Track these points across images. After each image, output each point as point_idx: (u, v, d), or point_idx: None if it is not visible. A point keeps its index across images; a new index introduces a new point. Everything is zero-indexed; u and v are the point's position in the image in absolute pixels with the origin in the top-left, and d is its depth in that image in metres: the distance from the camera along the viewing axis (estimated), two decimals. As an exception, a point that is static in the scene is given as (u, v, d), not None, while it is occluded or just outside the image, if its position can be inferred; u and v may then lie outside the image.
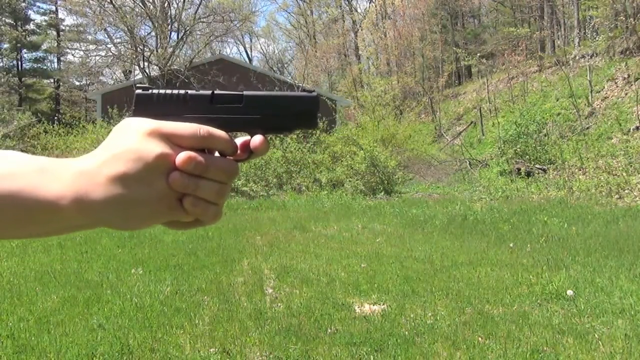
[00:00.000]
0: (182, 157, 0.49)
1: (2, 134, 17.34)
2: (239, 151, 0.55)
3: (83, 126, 17.30)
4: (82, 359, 3.20)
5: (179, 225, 0.53)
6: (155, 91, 0.54)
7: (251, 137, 0.55)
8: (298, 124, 0.57)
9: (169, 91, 0.54)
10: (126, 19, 22.87)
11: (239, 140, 0.56)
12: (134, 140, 0.48)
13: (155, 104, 0.53)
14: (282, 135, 12.31)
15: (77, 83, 36.95)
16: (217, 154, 0.53)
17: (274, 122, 0.56)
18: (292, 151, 14.18)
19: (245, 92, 0.55)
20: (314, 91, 0.57)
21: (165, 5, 23.93)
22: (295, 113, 0.56)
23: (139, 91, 0.54)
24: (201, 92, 0.55)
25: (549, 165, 13.80)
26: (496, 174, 15.13)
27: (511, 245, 6.52)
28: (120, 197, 0.47)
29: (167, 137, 0.49)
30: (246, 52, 44.57)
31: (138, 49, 23.25)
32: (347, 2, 37.31)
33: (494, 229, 7.73)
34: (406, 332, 3.59)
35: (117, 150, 0.48)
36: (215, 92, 0.55)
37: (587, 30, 24.26)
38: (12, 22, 33.53)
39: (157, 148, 0.48)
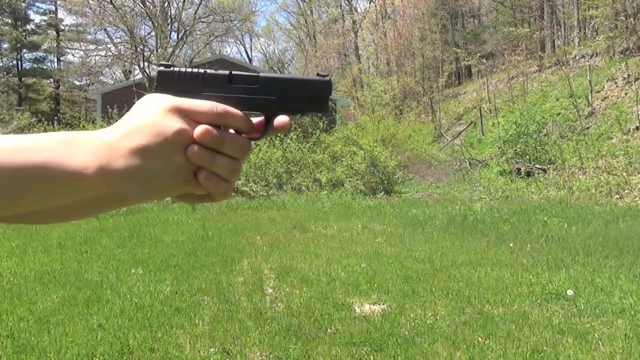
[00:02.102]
0: (199, 129, 0.51)
1: (1, 134, 17.34)
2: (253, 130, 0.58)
3: (83, 126, 17.32)
4: (82, 359, 3.20)
5: (191, 199, 0.56)
6: (176, 69, 0.56)
7: (265, 117, 0.58)
8: (310, 107, 0.59)
9: (188, 69, 0.56)
10: (126, 18, 22.87)
11: (253, 120, 0.58)
12: (154, 115, 0.51)
13: (176, 81, 0.55)
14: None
15: (77, 83, 36.96)
16: (232, 132, 0.56)
17: (287, 104, 0.58)
18: (292, 151, 14.18)
19: (261, 74, 0.57)
20: (327, 76, 0.59)
21: (165, 5, 23.92)
22: (309, 97, 0.58)
23: (161, 68, 0.56)
24: (219, 71, 0.57)
25: (549, 165, 13.80)
26: (496, 174, 15.13)
27: (511, 245, 6.52)
28: (139, 168, 0.50)
29: (185, 113, 0.52)
30: (246, 52, 44.58)
31: (138, 48, 23.25)
32: (347, 2, 37.30)
33: (494, 229, 7.73)
34: (406, 332, 3.59)
35: (138, 124, 0.51)
36: (233, 72, 0.57)
37: (587, 30, 24.25)
38: (12, 22, 33.51)
39: (176, 124, 0.51)
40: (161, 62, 0.57)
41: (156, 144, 0.50)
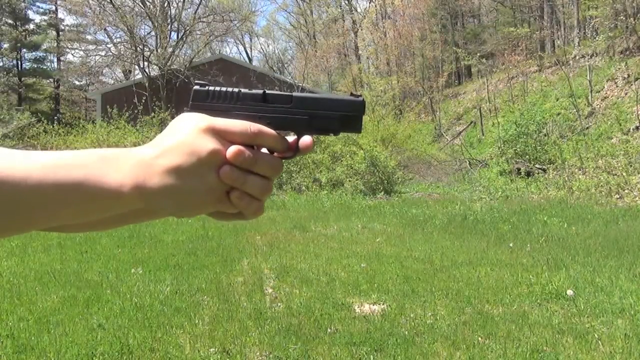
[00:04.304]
0: (232, 150, 0.52)
1: (1, 134, 17.34)
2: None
3: (83, 126, 17.30)
4: (82, 358, 3.20)
5: (223, 216, 0.57)
6: (210, 88, 0.57)
7: (297, 136, 0.58)
8: (343, 127, 0.59)
9: (223, 88, 0.57)
10: (126, 18, 22.87)
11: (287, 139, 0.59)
12: (189, 135, 0.52)
13: (210, 99, 0.57)
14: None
15: (77, 83, 36.95)
16: (265, 150, 0.57)
17: (319, 124, 0.58)
18: (292, 151, 14.15)
19: (294, 94, 0.58)
20: (360, 96, 0.59)
21: (165, 5, 23.92)
22: (341, 116, 0.58)
23: (196, 87, 0.57)
24: (253, 91, 0.57)
25: (548, 165, 13.79)
26: (496, 173, 15.12)
27: (511, 245, 6.52)
28: (173, 186, 0.51)
29: (219, 133, 0.53)
30: (246, 51, 44.57)
31: (138, 48, 23.26)
32: (347, 2, 37.29)
33: (494, 228, 7.73)
34: (406, 332, 3.59)
35: (173, 143, 0.52)
36: (267, 91, 0.57)
37: (587, 30, 24.25)
38: (12, 22, 33.50)
39: (210, 144, 0.52)
40: (197, 81, 0.58)
41: (190, 164, 0.51)
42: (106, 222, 0.65)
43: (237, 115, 0.55)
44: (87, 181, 0.50)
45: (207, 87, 0.57)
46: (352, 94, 0.59)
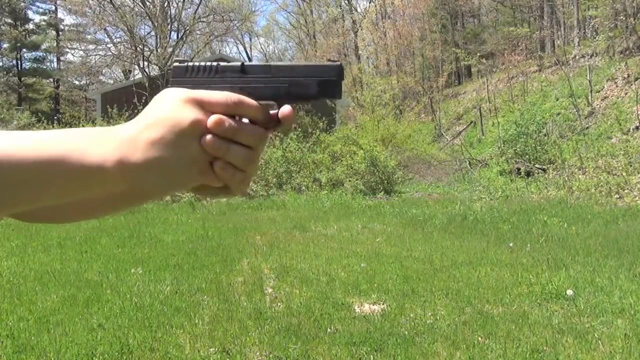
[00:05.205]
0: (213, 118, 0.52)
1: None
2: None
3: (83, 126, 17.30)
4: (82, 358, 3.20)
5: (209, 192, 0.56)
6: (189, 63, 0.58)
7: (279, 107, 0.58)
8: (322, 92, 0.59)
9: (202, 63, 0.58)
10: (126, 18, 22.86)
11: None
12: (170, 107, 0.52)
13: (190, 75, 0.57)
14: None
15: (77, 83, 36.95)
16: (247, 121, 0.56)
17: (299, 90, 0.58)
18: (292, 151, 14.18)
19: (272, 63, 0.58)
20: (338, 61, 0.60)
21: (165, 4, 23.92)
22: (320, 82, 0.59)
23: (175, 64, 0.58)
24: (232, 63, 0.58)
25: (548, 165, 13.79)
26: (496, 173, 15.13)
27: (511, 245, 6.52)
28: (157, 160, 0.51)
29: (200, 104, 0.53)
30: (246, 51, 44.54)
31: (138, 48, 23.26)
32: (347, 2, 37.28)
33: (494, 228, 7.73)
34: (406, 332, 3.59)
35: (155, 117, 0.52)
36: (245, 63, 0.58)
37: (587, 30, 24.25)
38: (12, 21, 33.49)
39: (192, 114, 0.52)
40: (176, 58, 0.59)
41: (173, 135, 0.51)
42: (94, 207, 0.63)
43: (218, 88, 0.56)
44: (69, 157, 0.50)
45: (186, 63, 0.57)
46: (329, 60, 0.59)
